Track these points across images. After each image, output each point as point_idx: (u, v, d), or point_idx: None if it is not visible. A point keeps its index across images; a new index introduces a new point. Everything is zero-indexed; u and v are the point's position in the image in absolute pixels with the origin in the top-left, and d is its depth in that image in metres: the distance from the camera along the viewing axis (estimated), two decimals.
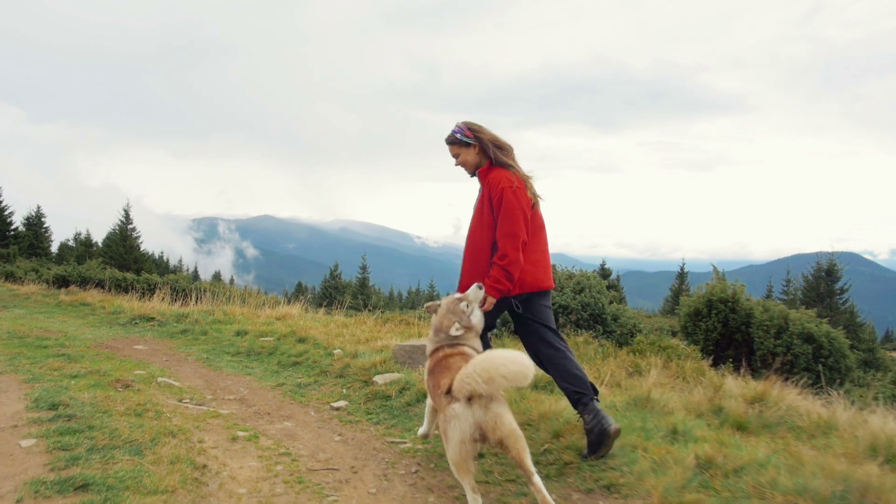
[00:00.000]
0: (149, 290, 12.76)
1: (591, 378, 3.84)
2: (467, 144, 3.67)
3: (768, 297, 55.36)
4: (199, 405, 5.14)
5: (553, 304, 9.20)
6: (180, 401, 5.22)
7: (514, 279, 3.53)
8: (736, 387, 5.01)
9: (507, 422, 2.86)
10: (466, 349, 3.40)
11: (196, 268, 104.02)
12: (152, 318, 9.83)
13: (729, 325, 8.84)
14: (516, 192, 3.51)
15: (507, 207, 3.48)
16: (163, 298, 12.11)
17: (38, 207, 48.50)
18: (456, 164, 3.77)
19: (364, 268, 62.57)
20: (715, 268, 10.45)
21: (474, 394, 2.82)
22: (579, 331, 8.79)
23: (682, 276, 62.20)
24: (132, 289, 12.93)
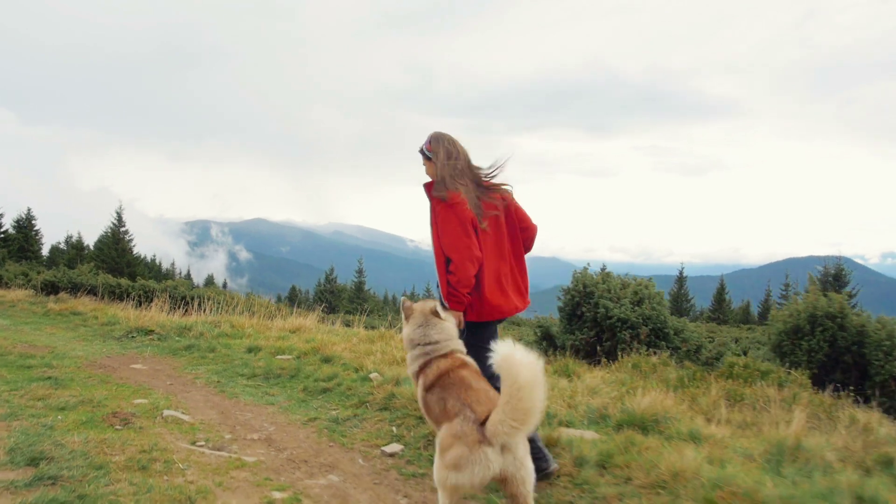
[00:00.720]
0: (146, 298, 11.69)
1: (686, 409, 3.04)
2: (429, 158, 3.61)
3: (766, 300, 54.71)
4: (218, 449, 4.13)
5: (611, 318, 8.23)
6: (193, 443, 4.20)
7: (466, 291, 3.41)
8: (885, 427, 4.04)
9: (530, 470, 2.71)
10: (466, 358, 3.21)
11: (189, 271, 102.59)
12: (151, 331, 8.78)
13: (837, 344, 7.76)
14: (452, 205, 3.40)
15: (443, 220, 3.43)
16: (161, 307, 11.06)
17: (29, 209, 47.12)
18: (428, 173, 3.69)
19: (360, 272, 61.67)
20: (811, 276, 9.44)
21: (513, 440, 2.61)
22: (647, 349, 7.79)
23: (681, 280, 61.46)
24: (127, 296, 11.89)
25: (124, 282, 11.63)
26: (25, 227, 47.29)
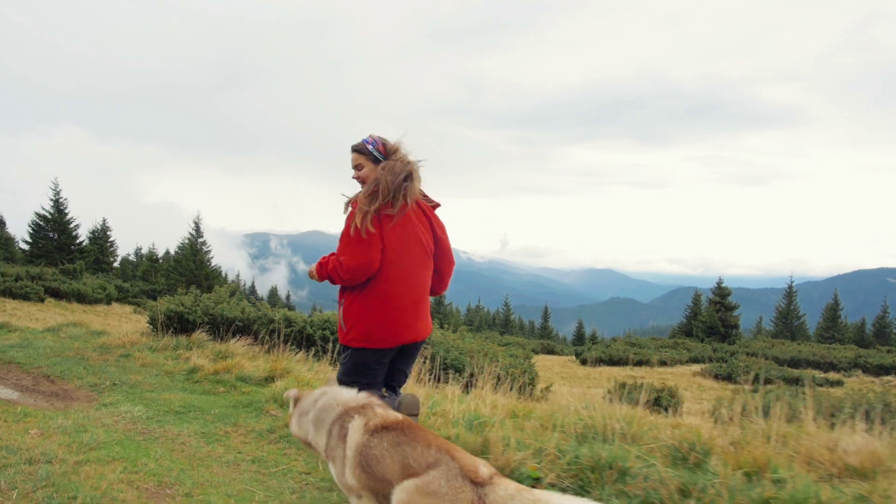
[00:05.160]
0: (297, 339, 7.34)
1: None
2: (376, 160, 3.38)
3: (884, 317, 47.75)
4: None
5: None
6: None
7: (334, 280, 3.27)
8: None
9: None
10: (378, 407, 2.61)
11: (253, 284, 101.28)
12: None
13: None
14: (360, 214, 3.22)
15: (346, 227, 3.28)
16: (334, 358, 6.86)
17: (104, 220, 45.24)
18: (354, 176, 3.48)
19: None
20: None
21: None
22: None
23: (790, 294, 54.59)
24: (305, 341, 7.37)
25: (296, 316, 7.67)
26: (100, 238, 45.54)
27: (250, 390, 5.32)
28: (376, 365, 3.28)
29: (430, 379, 6.14)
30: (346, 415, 2.53)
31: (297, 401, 2.85)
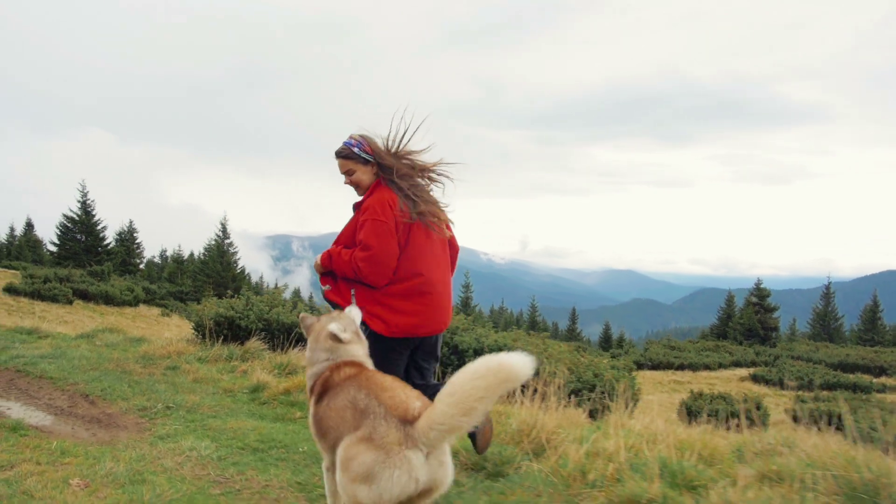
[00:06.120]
0: None
1: None
2: (365, 162, 3.25)
3: (873, 312, 45.37)
4: None
5: None
6: None
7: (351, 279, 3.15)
8: None
9: (451, 474, 2.20)
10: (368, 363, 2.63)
11: (276, 286, 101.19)
12: None
13: None
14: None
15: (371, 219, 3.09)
16: None
17: (131, 222, 44.90)
18: (346, 182, 3.33)
19: (467, 286, 57.45)
20: None
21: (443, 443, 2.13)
22: None
23: (827, 295, 52.53)
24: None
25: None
26: (127, 240, 45.26)
27: None
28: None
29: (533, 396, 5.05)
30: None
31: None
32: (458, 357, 6.11)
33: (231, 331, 6.70)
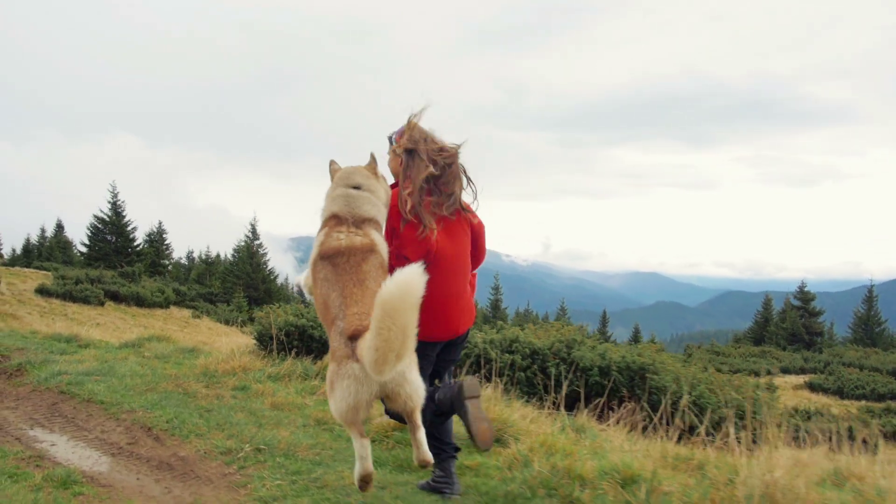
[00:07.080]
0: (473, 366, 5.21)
1: None
2: (394, 152, 3.18)
3: None
4: None
5: None
6: None
7: None
8: None
9: (412, 381, 2.41)
10: (378, 240, 2.77)
11: (300, 288, 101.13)
12: None
13: None
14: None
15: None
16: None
17: (160, 223, 44.55)
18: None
19: (497, 289, 56.70)
20: None
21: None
22: None
23: (870, 298, 50.39)
24: None
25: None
26: (157, 241, 44.97)
27: (476, 464, 3.24)
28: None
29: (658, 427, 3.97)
30: None
31: None
32: (578, 376, 5.02)
33: (302, 342, 5.75)
